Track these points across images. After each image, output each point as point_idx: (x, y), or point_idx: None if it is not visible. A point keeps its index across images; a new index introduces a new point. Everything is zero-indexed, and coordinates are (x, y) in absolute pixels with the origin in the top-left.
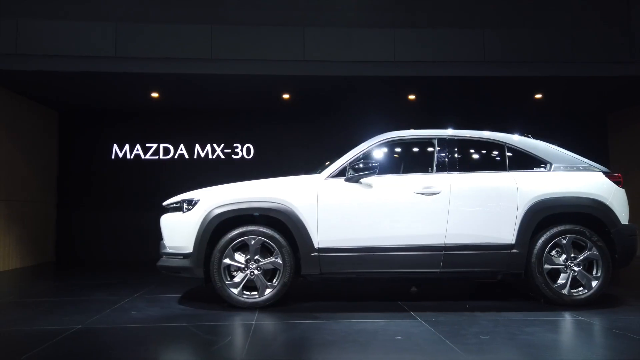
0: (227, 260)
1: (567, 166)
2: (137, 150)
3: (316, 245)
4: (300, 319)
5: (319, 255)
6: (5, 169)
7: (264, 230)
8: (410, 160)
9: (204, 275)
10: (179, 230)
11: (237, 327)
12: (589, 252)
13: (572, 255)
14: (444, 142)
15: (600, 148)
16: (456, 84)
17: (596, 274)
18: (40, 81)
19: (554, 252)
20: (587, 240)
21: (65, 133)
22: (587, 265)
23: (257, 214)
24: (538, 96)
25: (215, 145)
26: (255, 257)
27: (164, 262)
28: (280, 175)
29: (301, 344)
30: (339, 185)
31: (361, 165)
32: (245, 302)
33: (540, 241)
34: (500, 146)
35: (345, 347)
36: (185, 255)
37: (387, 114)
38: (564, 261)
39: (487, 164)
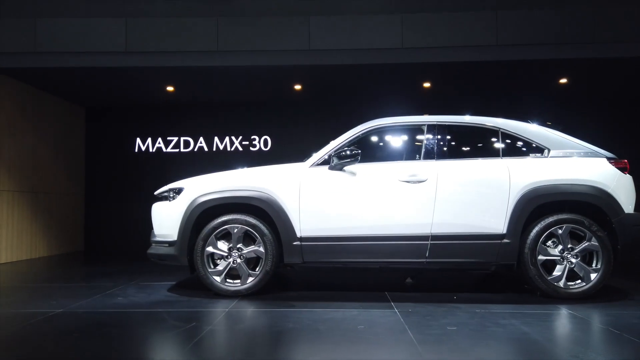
0: (210, 249)
1: (567, 152)
2: (159, 143)
3: (298, 234)
4: (276, 307)
5: (301, 244)
6: (30, 162)
7: (246, 218)
8: (398, 147)
9: (188, 264)
10: (165, 219)
11: (209, 313)
12: (587, 243)
13: (569, 246)
14: (433, 129)
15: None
16: (471, 70)
17: (596, 266)
18: (60, 78)
19: (549, 243)
20: (586, 230)
21: (92, 128)
22: (587, 257)
23: (239, 202)
24: (563, 81)
25: (233, 137)
26: (238, 246)
27: (152, 249)
28: None
29: (259, 332)
30: (322, 174)
31: (344, 153)
32: (228, 290)
33: (534, 231)
34: (494, 132)
35: (301, 336)
36: (170, 243)
37: (402, 102)
38: (560, 252)
39: (479, 151)
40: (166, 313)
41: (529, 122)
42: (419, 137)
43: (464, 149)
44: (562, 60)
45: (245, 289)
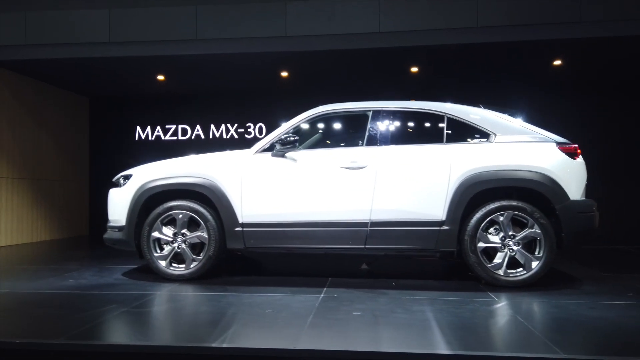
0: (155, 234)
1: (514, 137)
2: (158, 131)
3: (240, 220)
4: (208, 291)
5: (243, 230)
6: (31, 150)
7: (190, 204)
8: (343, 134)
9: (136, 249)
10: (116, 204)
11: (137, 296)
12: (529, 230)
13: (511, 233)
14: (378, 115)
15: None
16: (455, 54)
17: (538, 254)
18: (54, 69)
19: (492, 230)
20: (528, 217)
21: (96, 117)
22: (531, 244)
23: (184, 188)
24: (557, 63)
25: (229, 125)
26: (183, 231)
27: (107, 234)
28: None
29: (166, 314)
30: (264, 160)
31: (285, 140)
32: (172, 274)
33: (475, 218)
34: (439, 117)
35: (204, 318)
36: (120, 228)
37: (391, 88)
38: (501, 239)
39: (423, 137)
40: (103, 295)
41: (480, 107)
42: (363, 123)
43: (407, 134)
44: (547, 42)
45: (189, 274)
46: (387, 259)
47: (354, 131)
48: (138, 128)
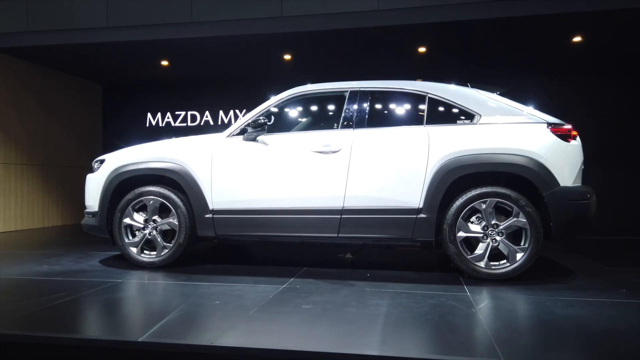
0: (127, 220)
1: (500, 118)
2: (168, 118)
3: (210, 207)
4: (172, 279)
5: (213, 217)
6: (40, 137)
7: (160, 190)
8: (319, 116)
9: (109, 235)
10: (90, 189)
11: (96, 284)
12: (514, 219)
13: (494, 222)
14: (355, 95)
15: None
16: (461, 31)
17: (523, 244)
18: (59, 55)
19: (474, 219)
20: (513, 205)
21: (109, 104)
22: (517, 235)
23: (154, 174)
24: (577, 39)
25: (237, 110)
26: (154, 217)
27: (83, 220)
28: None
29: (114, 302)
30: (235, 145)
31: (256, 122)
32: (143, 261)
33: (455, 205)
34: (421, 97)
35: (145, 308)
36: (93, 214)
37: (398, 69)
38: (483, 229)
39: (402, 118)
40: (69, 282)
41: (467, 86)
42: (340, 104)
43: (385, 116)
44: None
45: (160, 261)
46: (374, 248)
47: (331, 113)
48: (149, 114)
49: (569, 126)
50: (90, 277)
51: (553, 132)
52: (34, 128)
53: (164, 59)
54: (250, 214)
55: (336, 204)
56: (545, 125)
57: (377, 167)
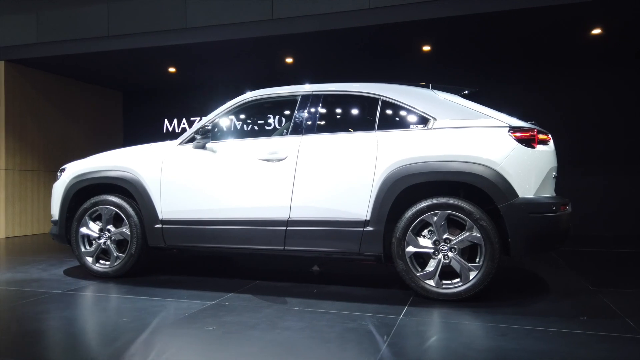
0: (83, 229)
1: (456, 122)
2: (184, 124)
3: (160, 217)
4: (107, 292)
5: (162, 227)
6: (58, 144)
7: (114, 199)
8: (269, 121)
9: (68, 243)
10: (53, 198)
11: (34, 295)
12: (467, 234)
13: (445, 236)
14: (306, 100)
15: None
16: (465, 27)
17: (478, 262)
18: (73, 64)
19: (426, 232)
20: (466, 218)
21: (129, 111)
22: (472, 250)
23: (107, 182)
24: (596, 32)
25: (281, 117)
26: (108, 227)
27: (51, 228)
28: None
29: (21, 315)
30: (184, 153)
31: (204, 130)
32: (98, 271)
33: (404, 218)
34: (374, 100)
35: (46, 323)
36: (55, 222)
37: (403, 68)
38: (434, 244)
39: (354, 123)
40: (6, 291)
41: (428, 87)
42: (291, 110)
43: (336, 121)
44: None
45: (113, 271)
46: (343, 262)
47: (283, 119)
48: (165, 121)
49: (532, 131)
50: (37, 287)
51: (514, 136)
52: (51, 135)
53: (171, 65)
54: (197, 225)
55: (282, 214)
56: (507, 129)
57: (324, 176)
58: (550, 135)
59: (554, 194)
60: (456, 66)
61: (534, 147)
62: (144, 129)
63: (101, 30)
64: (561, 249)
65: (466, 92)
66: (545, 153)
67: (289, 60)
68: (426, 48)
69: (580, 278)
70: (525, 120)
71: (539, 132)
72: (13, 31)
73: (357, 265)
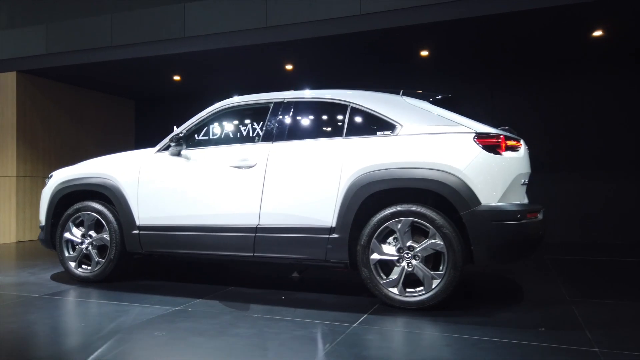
0: (67, 235)
1: (423, 129)
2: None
3: (137, 223)
4: (83, 296)
5: (140, 233)
6: (69, 152)
7: (95, 205)
8: (242, 129)
9: (53, 248)
10: (40, 204)
11: (15, 298)
12: (430, 241)
13: (409, 244)
14: (278, 107)
15: None
16: (460, 31)
17: (441, 270)
18: (80, 73)
19: (391, 240)
20: (430, 226)
21: (140, 119)
22: (436, 258)
23: (88, 189)
24: (597, 34)
25: (255, 124)
26: (89, 233)
27: (39, 234)
28: None
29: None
30: (160, 160)
31: (179, 137)
32: (80, 276)
33: (369, 225)
34: (343, 107)
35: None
36: (42, 228)
37: (405, 73)
38: (398, 251)
39: (323, 130)
40: None
41: (398, 95)
42: (264, 117)
43: (306, 128)
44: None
45: (93, 276)
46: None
47: (253, 126)
48: (175, 127)
49: (498, 137)
50: (17, 291)
51: (479, 143)
52: (62, 142)
53: (175, 73)
54: (171, 231)
55: (251, 221)
56: (472, 135)
57: (292, 183)
58: (521, 142)
59: (523, 201)
60: (454, 71)
61: (500, 154)
62: (155, 136)
63: (105, 40)
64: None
65: (438, 97)
66: (513, 160)
67: (289, 67)
68: (424, 53)
69: (563, 287)
70: (499, 126)
71: (507, 138)
72: (24, 43)
73: (334, 272)
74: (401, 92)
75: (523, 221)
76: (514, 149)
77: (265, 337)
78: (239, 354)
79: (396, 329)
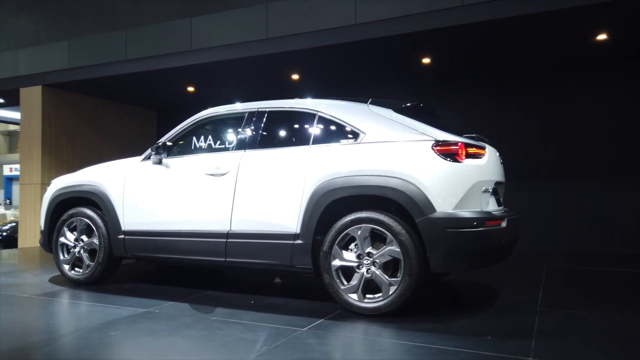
0: (62, 239)
1: (384, 137)
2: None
3: (122, 228)
4: (70, 298)
5: (124, 238)
6: (93, 162)
7: (86, 211)
8: (220, 138)
9: (51, 252)
10: (41, 209)
11: (3, 297)
12: (388, 248)
13: (368, 250)
14: (252, 117)
15: None
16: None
17: (398, 276)
18: (100, 85)
19: (353, 246)
20: (387, 233)
21: (162, 129)
22: (395, 265)
23: (80, 196)
24: (601, 38)
25: (231, 133)
26: (81, 237)
27: (40, 238)
28: None
29: None
30: (144, 168)
31: (159, 146)
32: (72, 278)
33: (331, 232)
34: (311, 116)
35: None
36: (42, 232)
37: (404, 82)
38: (357, 258)
39: (292, 138)
40: None
41: (365, 103)
42: (239, 126)
43: (276, 137)
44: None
45: (84, 278)
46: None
47: (229, 135)
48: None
49: (457, 145)
50: (10, 291)
51: (437, 150)
52: (85, 152)
53: (189, 84)
54: (152, 236)
55: (223, 227)
56: (431, 143)
57: (260, 190)
58: (486, 150)
59: (486, 209)
60: (456, 77)
61: (459, 161)
62: None
63: (120, 54)
64: (572, 266)
65: (408, 105)
66: (474, 167)
67: (295, 76)
68: (426, 60)
69: (542, 296)
70: (469, 134)
71: (468, 146)
72: (48, 58)
73: (312, 279)
74: (369, 100)
75: (480, 229)
76: (475, 156)
77: (211, 339)
78: (177, 353)
79: (341, 333)
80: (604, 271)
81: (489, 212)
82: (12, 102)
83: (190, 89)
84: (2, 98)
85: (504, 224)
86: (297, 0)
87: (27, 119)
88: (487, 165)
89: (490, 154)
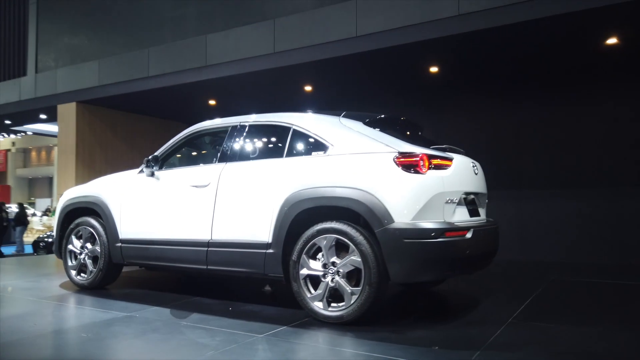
0: (70, 246)
1: (350, 149)
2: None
3: (120, 236)
4: (68, 301)
5: (121, 246)
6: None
7: (90, 221)
8: (207, 151)
9: (62, 258)
10: (54, 219)
11: (9, 299)
12: (350, 258)
13: (332, 260)
14: (234, 130)
15: None
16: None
17: (359, 286)
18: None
19: (320, 256)
20: (349, 243)
21: None
22: (358, 275)
23: (85, 206)
24: (611, 42)
25: (216, 146)
26: (86, 245)
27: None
28: None
29: None
30: (139, 180)
31: (147, 160)
32: (78, 283)
33: (299, 241)
34: (286, 129)
35: None
36: (54, 240)
37: (412, 93)
38: (323, 267)
39: (269, 151)
40: None
41: (337, 116)
42: (222, 139)
43: (254, 150)
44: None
45: (88, 283)
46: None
47: (214, 148)
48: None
49: (417, 157)
50: (19, 294)
51: (398, 162)
52: (117, 163)
53: (210, 98)
54: (144, 244)
55: (204, 236)
56: (393, 155)
57: (237, 201)
58: (453, 161)
59: (451, 220)
60: (465, 86)
61: (421, 173)
62: None
63: (143, 72)
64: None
65: (380, 117)
66: (436, 178)
67: (308, 88)
68: (434, 69)
69: (522, 308)
70: (451, 145)
71: (431, 157)
72: (81, 77)
73: None
74: (343, 113)
75: (439, 239)
76: (440, 167)
77: (169, 342)
78: (127, 354)
79: (295, 341)
80: (607, 284)
81: (451, 223)
82: (53, 117)
83: (212, 102)
84: (44, 114)
85: (468, 235)
86: (302, 14)
87: (64, 133)
88: (452, 176)
89: (459, 165)
